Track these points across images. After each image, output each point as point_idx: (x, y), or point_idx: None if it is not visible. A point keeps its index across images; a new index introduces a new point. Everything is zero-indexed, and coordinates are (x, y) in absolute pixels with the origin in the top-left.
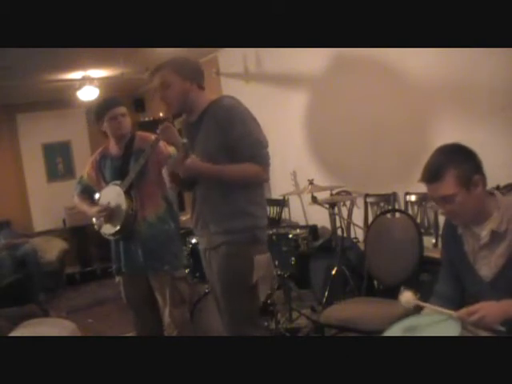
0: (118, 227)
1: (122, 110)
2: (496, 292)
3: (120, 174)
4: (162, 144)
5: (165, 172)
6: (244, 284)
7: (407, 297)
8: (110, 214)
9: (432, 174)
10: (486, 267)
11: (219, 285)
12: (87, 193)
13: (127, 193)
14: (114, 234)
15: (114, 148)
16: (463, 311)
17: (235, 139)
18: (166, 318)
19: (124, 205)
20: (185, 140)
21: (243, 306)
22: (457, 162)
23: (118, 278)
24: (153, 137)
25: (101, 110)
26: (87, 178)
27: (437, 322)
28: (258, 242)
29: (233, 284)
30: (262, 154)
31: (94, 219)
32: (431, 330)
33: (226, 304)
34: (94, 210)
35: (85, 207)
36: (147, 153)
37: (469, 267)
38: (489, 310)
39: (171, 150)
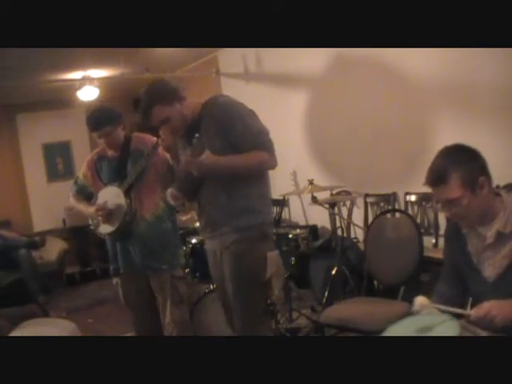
0: (116, 227)
1: (106, 130)
2: (499, 293)
3: (117, 174)
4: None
5: (169, 194)
6: (258, 281)
7: (422, 301)
8: (107, 213)
9: (436, 177)
10: (490, 268)
11: (233, 284)
12: (83, 193)
13: (126, 193)
14: (111, 234)
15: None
16: (478, 312)
17: (237, 134)
18: (166, 317)
19: (123, 205)
20: (197, 135)
21: (258, 304)
22: (461, 164)
23: (115, 280)
24: (150, 138)
25: (89, 127)
26: (83, 178)
27: (436, 322)
28: (267, 238)
29: (247, 282)
30: (265, 141)
31: (90, 219)
32: (432, 331)
33: (240, 303)
34: (92, 209)
35: (81, 207)
36: (149, 154)
37: (472, 267)
38: (499, 310)
39: (167, 155)
